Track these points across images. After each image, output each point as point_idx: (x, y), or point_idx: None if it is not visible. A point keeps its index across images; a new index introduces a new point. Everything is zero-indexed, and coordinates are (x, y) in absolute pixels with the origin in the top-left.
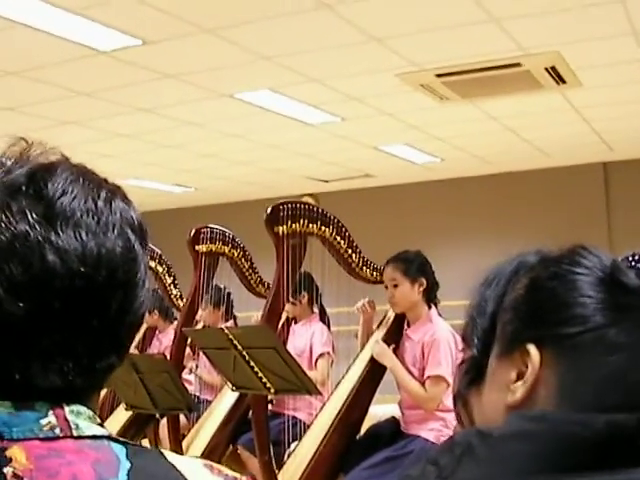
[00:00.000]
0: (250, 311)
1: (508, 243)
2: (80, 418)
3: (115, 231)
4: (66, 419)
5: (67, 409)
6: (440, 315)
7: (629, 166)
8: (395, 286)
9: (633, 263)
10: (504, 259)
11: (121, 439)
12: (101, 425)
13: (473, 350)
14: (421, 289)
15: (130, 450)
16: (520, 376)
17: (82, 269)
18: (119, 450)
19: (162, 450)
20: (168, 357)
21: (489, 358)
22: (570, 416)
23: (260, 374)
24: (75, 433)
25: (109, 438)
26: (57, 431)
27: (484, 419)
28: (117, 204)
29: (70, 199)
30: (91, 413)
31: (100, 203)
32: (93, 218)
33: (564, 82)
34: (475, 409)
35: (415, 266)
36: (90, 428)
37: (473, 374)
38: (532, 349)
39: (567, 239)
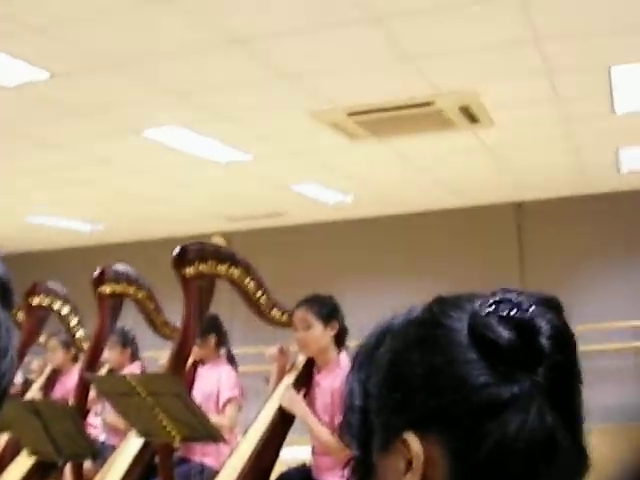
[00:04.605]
0: (157, 350)
1: (420, 283)
2: None
3: None
4: None
5: None
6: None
7: (541, 205)
8: (307, 328)
9: (494, 308)
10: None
11: None
12: None
13: (354, 450)
14: (332, 333)
15: None
16: (409, 464)
17: None
18: None
19: None
20: (72, 400)
21: (372, 453)
22: None
23: (164, 422)
24: None
25: None
26: None
27: None
28: None
29: None
30: None
31: None
32: None
33: (477, 121)
34: None
35: (328, 309)
36: None
37: (361, 474)
38: (410, 437)
39: (479, 279)
